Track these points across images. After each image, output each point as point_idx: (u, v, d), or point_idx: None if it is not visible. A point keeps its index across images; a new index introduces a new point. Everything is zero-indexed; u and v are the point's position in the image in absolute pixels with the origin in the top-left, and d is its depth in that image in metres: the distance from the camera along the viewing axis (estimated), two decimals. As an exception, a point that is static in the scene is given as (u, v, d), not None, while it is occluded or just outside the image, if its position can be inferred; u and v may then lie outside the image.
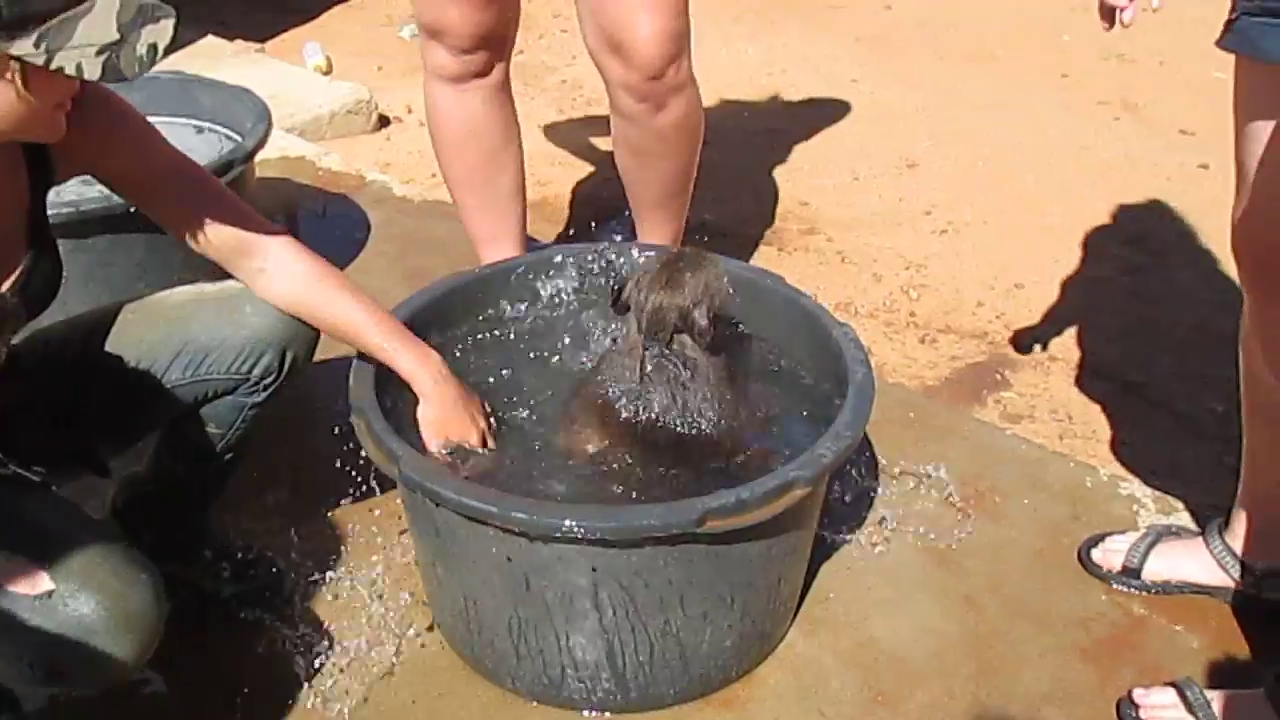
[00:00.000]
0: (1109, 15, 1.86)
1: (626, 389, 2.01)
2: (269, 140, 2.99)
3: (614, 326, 2.23)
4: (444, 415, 1.97)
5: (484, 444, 2.00)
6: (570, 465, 1.98)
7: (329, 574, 2.22)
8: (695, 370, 2.01)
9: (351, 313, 1.95)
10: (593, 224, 3.64)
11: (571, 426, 2.06)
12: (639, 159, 2.74)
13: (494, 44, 2.60)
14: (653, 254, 2.26)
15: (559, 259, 2.35)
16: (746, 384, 2.07)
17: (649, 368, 1.99)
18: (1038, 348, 3.12)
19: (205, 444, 2.01)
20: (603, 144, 4.23)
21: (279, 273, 1.91)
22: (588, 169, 4.01)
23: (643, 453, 1.98)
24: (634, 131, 2.67)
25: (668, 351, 1.99)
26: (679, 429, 1.99)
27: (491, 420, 2.05)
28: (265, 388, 1.97)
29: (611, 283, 2.10)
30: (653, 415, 2.00)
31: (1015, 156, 4.17)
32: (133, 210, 1.92)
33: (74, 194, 2.50)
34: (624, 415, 2.01)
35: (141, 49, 1.51)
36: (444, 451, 1.96)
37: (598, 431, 2.02)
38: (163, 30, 1.53)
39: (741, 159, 4.04)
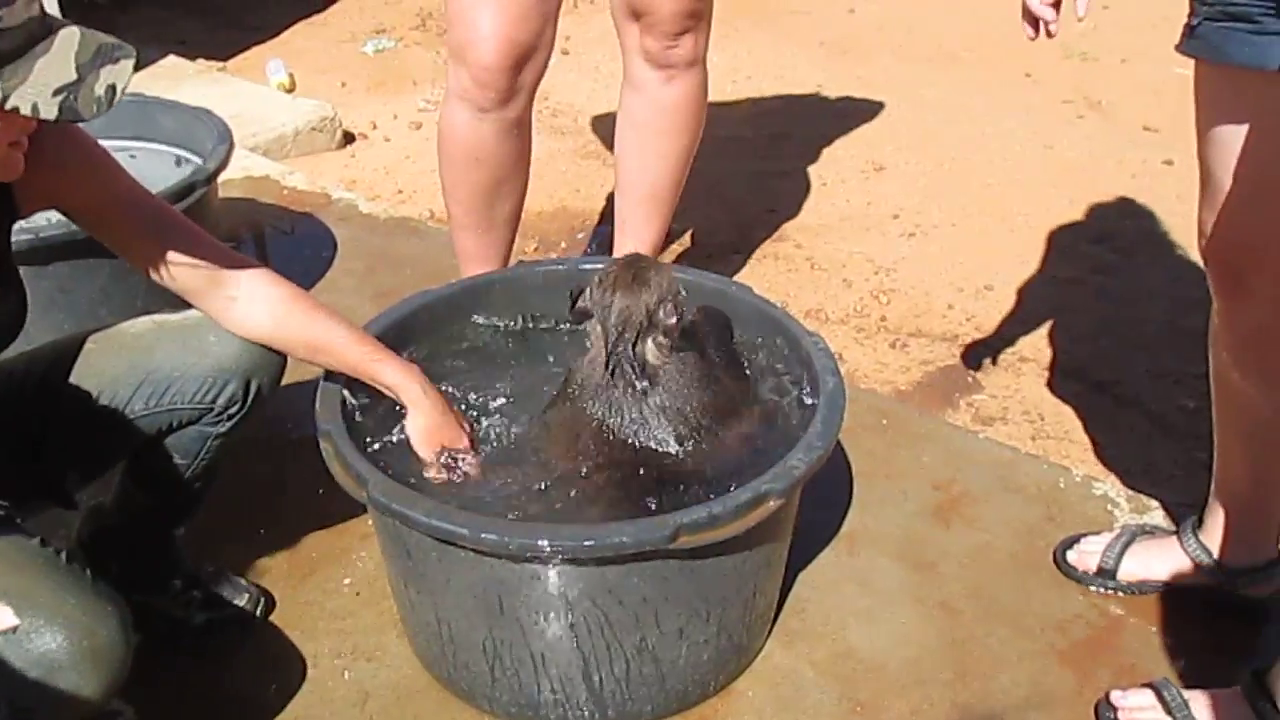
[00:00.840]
0: (1034, 24, 1.87)
1: (597, 402, 2.00)
2: (232, 159, 2.98)
3: (588, 342, 2.23)
4: (434, 423, 1.97)
5: (472, 448, 2.01)
6: (544, 483, 1.96)
7: (300, 599, 2.20)
8: (663, 373, 1.99)
9: (330, 331, 1.94)
10: (563, 243, 3.63)
11: (544, 444, 2.04)
12: (640, 137, 2.81)
13: (518, 72, 2.55)
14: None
15: (534, 273, 2.35)
16: (718, 384, 2.05)
17: (615, 373, 1.97)
18: (1008, 349, 3.12)
19: (170, 474, 2.00)
20: (571, 158, 4.23)
21: (251, 299, 1.90)
22: (557, 182, 4.01)
23: (614, 467, 1.97)
24: (641, 103, 2.76)
25: (633, 354, 1.97)
26: (650, 440, 1.98)
27: (472, 426, 2.06)
28: (230, 417, 1.95)
29: (569, 290, 2.08)
30: (623, 425, 1.98)
31: (981, 158, 4.18)
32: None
33: (34, 221, 2.48)
34: (593, 427, 1.99)
35: (100, 89, 1.50)
36: (440, 459, 1.96)
37: (569, 448, 2.01)
38: (122, 70, 1.52)
39: (707, 167, 4.03)
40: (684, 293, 2.04)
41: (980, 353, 3.10)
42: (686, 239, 3.62)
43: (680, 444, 1.98)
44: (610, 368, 1.97)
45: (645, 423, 1.99)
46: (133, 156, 3.09)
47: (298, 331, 1.93)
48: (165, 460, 1.98)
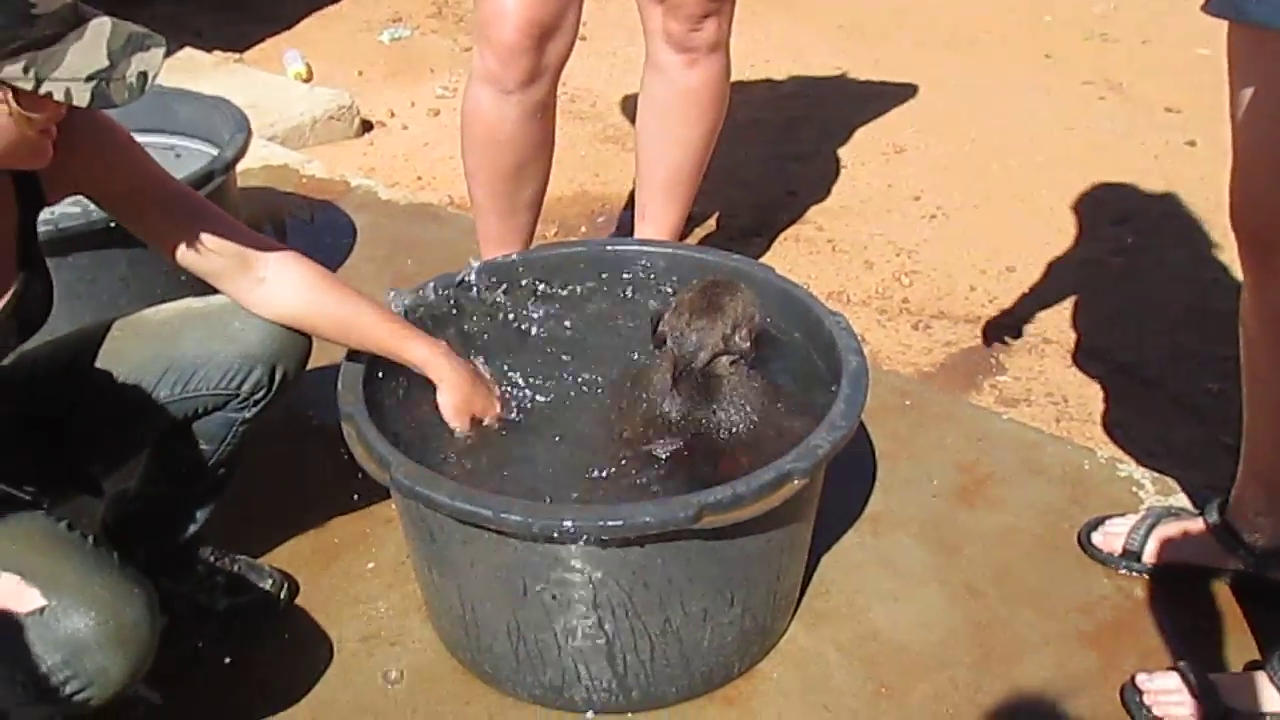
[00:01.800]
0: None
1: (653, 399, 2.02)
2: (251, 149, 2.98)
3: (617, 320, 2.28)
4: (466, 395, 1.98)
5: (507, 416, 2.04)
6: (573, 466, 1.97)
7: (324, 583, 2.21)
8: (727, 396, 2.01)
9: (358, 310, 1.96)
10: (583, 228, 3.64)
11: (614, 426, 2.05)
12: (662, 122, 2.81)
13: (540, 52, 2.54)
14: (652, 248, 2.35)
15: (559, 255, 2.36)
16: (776, 403, 2.06)
17: (679, 390, 1.99)
18: (1031, 331, 3.11)
19: (196, 460, 2.00)
20: (590, 142, 4.23)
21: (280, 280, 1.91)
22: (577, 167, 4.01)
23: (655, 461, 1.97)
24: (663, 88, 2.77)
25: (702, 377, 2.00)
26: (701, 446, 1.99)
27: (511, 386, 2.09)
28: (255, 403, 1.96)
29: (650, 316, 2.11)
30: (675, 427, 1.99)
31: (1002, 139, 4.17)
32: (113, 225, 1.90)
33: (53, 211, 2.49)
34: (640, 422, 2.01)
35: (132, 77, 1.50)
36: (472, 431, 1.98)
37: (615, 435, 2.02)
38: (152, 58, 1.52)
39: (727, 150, 4.02)
40: (758, 314, 2.06)
41: (1003, 334, 3.09)
42: (707, 222, 3.61)
43: (730, 455, 1.98)
44: (675, 387, 1.99)
45: (701, 430, 1.99)
46: (149, 148, 3.09)
47: (326, 310, 1.94)
48: (190, 447, 1.99)
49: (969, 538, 2.30)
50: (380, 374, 2.01)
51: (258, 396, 1.95)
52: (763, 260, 3.28)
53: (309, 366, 2.03)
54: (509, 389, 2.10)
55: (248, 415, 1.97)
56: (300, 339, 1.97)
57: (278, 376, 1.95)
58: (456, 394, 1.98)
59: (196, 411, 1.95)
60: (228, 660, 2.06)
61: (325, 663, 2.05)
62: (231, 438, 2.00)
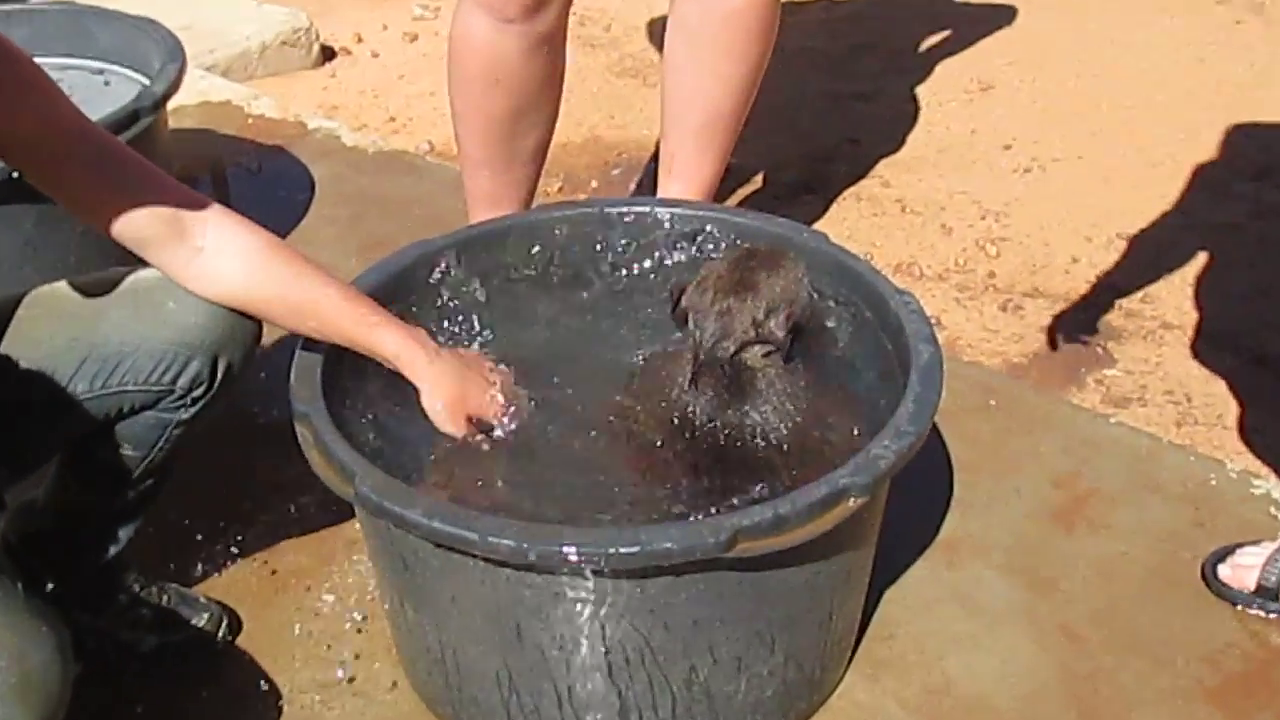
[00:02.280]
0: None
1: (670, 398, 2.03)
2: (185, 82, 2.99)
3: (634, 300, 2.29)
4: (453, 396, 1.98)
5: (510, 409, 2.03)
6: (577, 479, 1.99)
7: (272, 619, 2.23)
8: (761, 394, 2.02)
9: (317, 289, 1.94)
10: (594, 182, 3.64)
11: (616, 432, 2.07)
12: (695, 52, 2.78)
13: None
14: (678, 210, 2.33)
15: (559, 219, 2.37)
16: (828, 404, 2.07)
17: (700, 386, 2.00)
18: (1147, 314, 3.11)
19: (119, 468, 2.02)
20: (604, 75, 4.24)
21: (221, 250, 1.89)
22: (587, 106, 4.02)
23: (678, 474, 1.99)
24: (697, 10, 2.73)
25: (729, 371, 2.00)
26: (724, 454, 2.00)
27: (505, 374, 2.08)
28: (193, 401, 1.97)
29: (670, 287, 2.10)
30: (695, 431, 2.01)
31: (1113, 74, 4.16)
32: (15, 175, 1.92)
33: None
34: (655, 425, 2.03)
35: None
36: (473, 437, 1.99)
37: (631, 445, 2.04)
38: None
39: (774, 86, 4.03)
40: (805, 294, 2.06)
41: (1112, 317, 3.10)
42: (748, 177, 3.62)
43: (771, 467, 1.99)
44: (693, 379, 2.00)
45: (734, 435, 2.01)
46: (65, 77, 3.12)
47: (277, 289, 1.93)
48: (113, 452, 2.00)
49: (1067, 569, 2.30)
50: (343, 362, 2.02)
51: (196, 393, 1.96)
52: (815, 225, 3.30)
53: (256, 357, 2.04)
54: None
55: (184, 416, 1.99)
56: (247, 323, 1.97)
57: (220, 369, 1.96)
58: (443, 394, 1.97)
59: (121, 410, 1.96)
60: (152, 711, 2.08)
61: (273, 717, 2.07)
62: (163, 442, 2.01)
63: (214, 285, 1.91)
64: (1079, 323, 3.09)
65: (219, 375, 1.96)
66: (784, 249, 2.13)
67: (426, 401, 1.97)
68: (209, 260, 1.89)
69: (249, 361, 2.01)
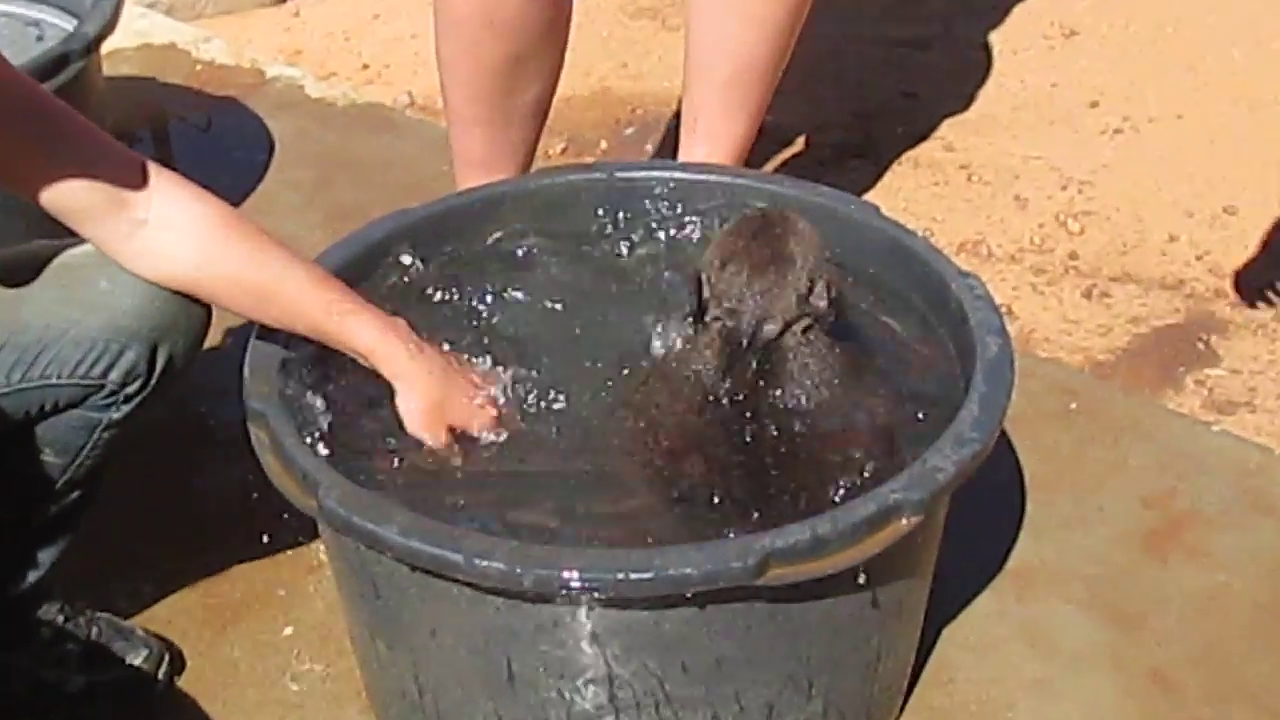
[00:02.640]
0: None
1: (696, 400, 2.04)
2: (122, 22, 3.00)
3: (647, 279, 2.30)
4: (434, 398, 1.99)
5: (498, 422, 2.03)
6: (583, 489, 1.99)
7: (221, 655, 2.24)
8: (798, 380, 2.03)
9: (280, 270, 1.95)
10: (603, 143, 3.65)
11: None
12: None
13: None
14: (703, 176, 2.35)
15: (562, 186, 2.38)
16: (875, 406, 2.07)
17: (735, 382, 2.01)
18: (1259, 303, 3.11)
19: (39, 477, 2.02)
20: (615, 17, 4.24)
21: (168, 223, 1.90)
22: (596, 54, 4.02)
23: (697, 486, 1.99)
24: None
25: (763, 357, 2.01)
26: (756, 450, 2.00)
27: (495, 379, 2.08)
28: (127, 398, 1.98)
29: (692, 272, 2.11)
30: (721, 423, 2.02)
31: (1219, 20, 4.15)
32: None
33: None
34: (687, 435, 2.03)
35: None
36: (455, 447, 1.98)
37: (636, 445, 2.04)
38: None
39: (818, 33, 4.03)
40: (825, 251, 2.07)
41: (1216, 307, 3.10)
42: (786, 138, 3.62)
43: (808, 479, 2.00)
44: (726, 369, 2.01)
45: (764, 439, 2.01)
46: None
47: (233, 269, 1.94)
48: (32, 457, 2.01)
49: (1160, 604, 2.31)
50: (305, 355, 2.03)
51: (130, 389, 1.97)
52: (865, 195, 3.30)
53: (207, 345, 2.04)
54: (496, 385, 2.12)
55: (115, 415, 1.99)
56: (194, 308, 1.97)
57: (159, 360, 1.96)
58: (422, 396, 1.98)
59: (43, 408, 1.97)
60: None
61: (222, 769, 2.09)
62: (91, 446, 2.01)
63: (158, 264, 1.91)
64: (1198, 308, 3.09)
65: (158, 368, 1.96)
66: (788, 209, 2.13)
67: (402, 403, 1.98)
68: (153, 235, 1.89)
69: (194, 352, 2.01)
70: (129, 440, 2.04)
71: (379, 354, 1.97)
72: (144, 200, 1.88)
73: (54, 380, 1.94)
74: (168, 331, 1.95)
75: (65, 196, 1.85)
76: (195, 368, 2.05)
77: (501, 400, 2.07)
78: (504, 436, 2.03)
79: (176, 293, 1.94)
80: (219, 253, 1.93)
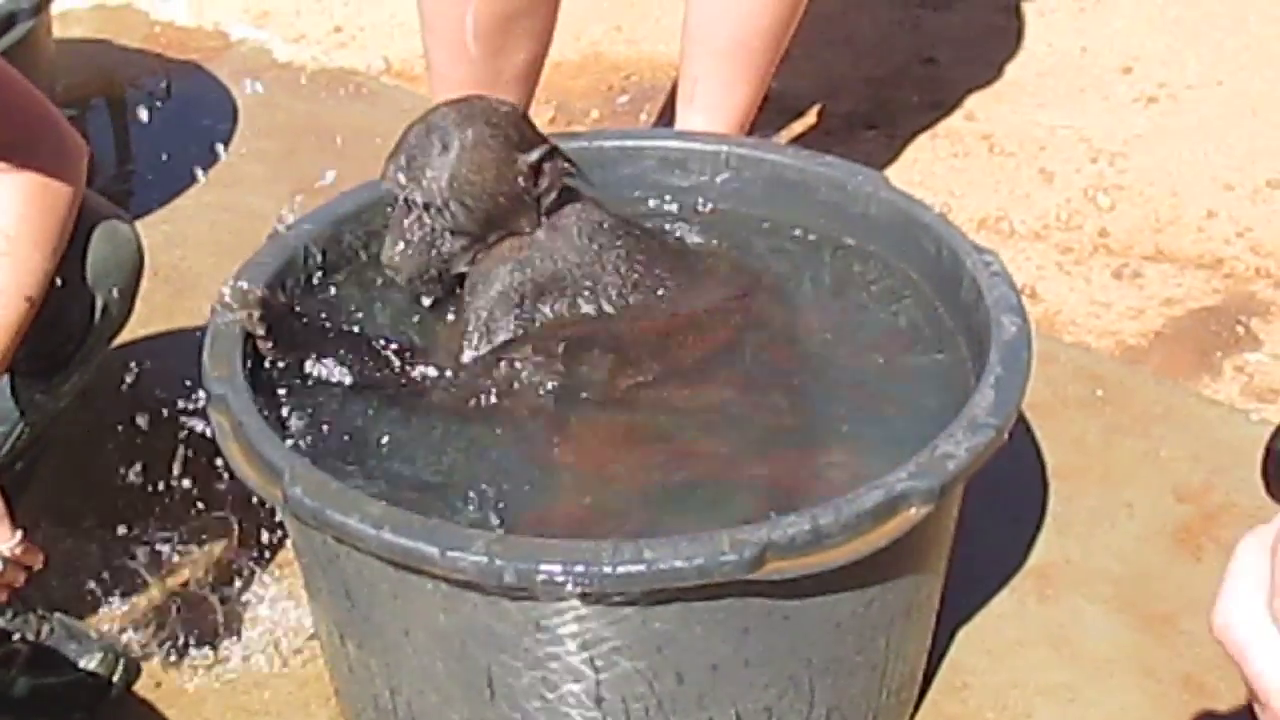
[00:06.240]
0: None
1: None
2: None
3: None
4: None
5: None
6: (568, 476, 2.01)
7: (184, 656, 2.26)
8: None
9: None
10: (595, 111, 3.65)
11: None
12: None
13: None
14: (700, 146, 2.38)
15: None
16: (881, 386, 2.10)
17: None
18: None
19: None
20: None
21: None
22: (587, 15, 4.03)
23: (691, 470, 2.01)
24: None
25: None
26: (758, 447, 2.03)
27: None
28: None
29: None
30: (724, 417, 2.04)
31: (1265, -23, 4.16)
32: None
33: None
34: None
35: None
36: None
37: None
38: None
39: (827, -9, 4.07)
40: None
41: (1258, 288, 3.11)
42: (793, 107, 3.63)
43: (809, 465, 2.01)
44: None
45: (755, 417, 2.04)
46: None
47: None
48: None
49: (1192, 605, 2.30)
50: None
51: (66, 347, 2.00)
52: (875, 164, 3.30)
53: (161, 322, 2.05)
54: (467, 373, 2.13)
55: (55, 378, 2.01)
56: (124, 251, 1.99)
57: (97, 309, 1.99)
58: None
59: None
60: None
61: (181, 781, 2.10)
62: (27, 420, 2.03)
63: None
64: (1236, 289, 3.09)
65: (95, 315, 1.99)
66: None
67: None
68: None
69: (130, 299, 2.02)
70: (70, 418, 2.04)
71: None
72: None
73: None
74: (104, 274, 1.97)
75: None
76: (148, 347, 2.06)
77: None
78: (474, 423, 2.04)
79: (108, 231, 1.95)
80: None
